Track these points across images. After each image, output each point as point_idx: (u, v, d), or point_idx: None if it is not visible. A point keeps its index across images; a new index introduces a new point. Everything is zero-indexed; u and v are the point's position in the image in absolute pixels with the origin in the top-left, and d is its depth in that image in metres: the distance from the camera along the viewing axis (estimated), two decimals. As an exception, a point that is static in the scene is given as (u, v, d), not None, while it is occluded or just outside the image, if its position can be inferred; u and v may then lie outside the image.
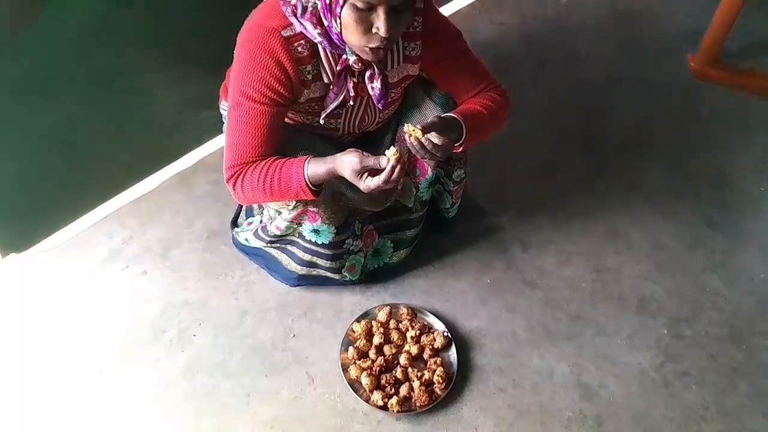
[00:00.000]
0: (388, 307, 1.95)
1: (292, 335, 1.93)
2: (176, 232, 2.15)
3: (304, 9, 1.48)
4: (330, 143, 1.76)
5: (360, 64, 1.54)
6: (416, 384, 1.80)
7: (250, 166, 1.59)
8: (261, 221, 1.96)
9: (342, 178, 1.55)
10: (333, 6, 1.42)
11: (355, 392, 1.79)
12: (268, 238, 1.91)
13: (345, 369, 1.84)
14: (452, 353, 1.88)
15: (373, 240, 2.00)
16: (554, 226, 2.22)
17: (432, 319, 1.94)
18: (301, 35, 1.52)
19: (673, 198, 2.33)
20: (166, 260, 2.08)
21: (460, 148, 1.62)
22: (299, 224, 1.81)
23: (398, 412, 1.76)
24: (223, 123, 1.76)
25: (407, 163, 1.50)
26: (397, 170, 1.48)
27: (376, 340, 1.88)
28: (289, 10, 1.50)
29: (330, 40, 1.50)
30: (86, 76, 1.90)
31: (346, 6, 1.40)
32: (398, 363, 1.86)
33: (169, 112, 2.19)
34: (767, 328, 2.00)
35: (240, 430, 1.75)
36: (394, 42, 1.55)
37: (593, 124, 2.58)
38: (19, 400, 1.79)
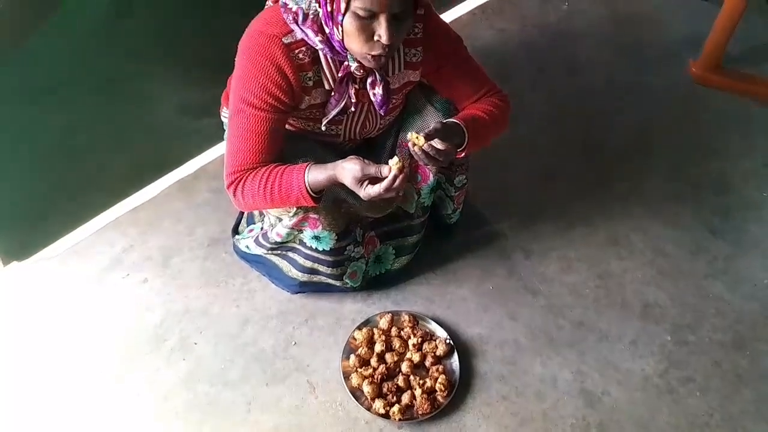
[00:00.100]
0: (390, 314, 1.94)
1: (294, 343, 1.92)
2: (177, 240, 2.15)
3: (305, 16, 1.49)
4: (331, 150, 1.75)
5: (362, 71, 1.54)
6: (418, 392, 1.79)
7: (251, 172, 1.58)
8: (262, 228, 1.96)
9: (343, 185, 1.55)
10: (335, 14, 1.42)
11: (357, 400, 1.79)
12: (269, 245, 1.91)
13: (346, 377, 1.83)
14: (454, 361, 1.87)
15: (375, 246, 1.99)
16: (556, 233, 2.22)
17: (434, 327, 1.93)
18: (302, 42, 1.52)
19: (675, 204, 2.32)
20: (167, 268, 2.08)
21: (462, 154, 1.62)
22: (300, 231, 1.81)
23: (400, 420, 1.75)
24: (224, 130, 1.76)
25: (409, 169, 1.50)
26: (399, 180, 1.47)
27: (378, 347, 1.88)
28: (290, 18, 1.50)
29: (331, 47, 1.50)
30: (87, 84, 1.90)
31: (348, 14, 1.40)
32: (400, 371, 1.85)
33: (170, 119, 2.19)
34: (771, 334, 1.99)
35: (241, 438, 1.74)
36: (395, 49, 1.55)
37: (594, 129, 2.58)
38: (21, 408, 1.78)
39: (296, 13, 1.49)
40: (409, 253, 2.05)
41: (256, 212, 2.05)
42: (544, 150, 2.49)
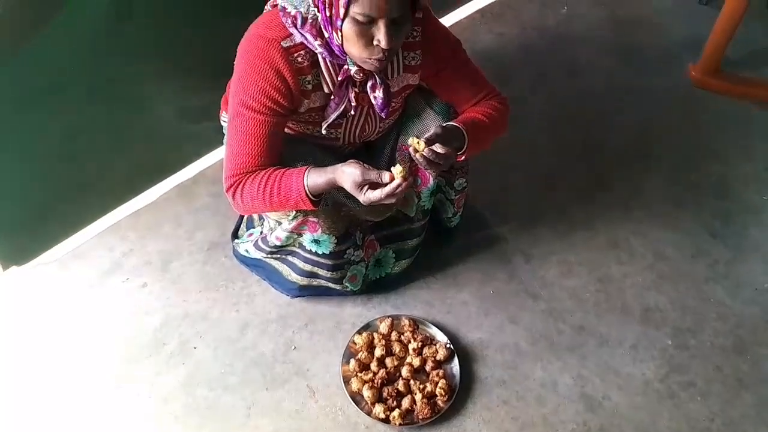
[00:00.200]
0: (390, 318, 1.94)
1: (293, 347, 1.92)
2: (177, 244, 2.14)
3: (304, 20, 1.49)
4: (330, 153, 1.75)
5: (361, 74, 1.55)
6: (418, 396, 1.78)
7: (250, 175, 1.58)
8: (261, 232, 1.95)
9: (342, 189, 1.55)
10: (334, 19, 1.42)
11: (357, 405, 1.78)
12: (268, 249, 1.91)
13: (346, 381, 1.82)
14: (455, 365, 1.86)
15: (375, 250, 1.99)
16: (556, 236, 2.21)
17: (434, 331, 1.93)
18: (301, 45, 1.52)
19: (675, 207, 2.32)
20: (167, 272, 2.07)
21: (462, 157, 1.62)
22: (300, 234, 1.80)
23: (400, 425, 1.74)
24: (224, 135, 1.76)
25: (411, 175, 1.50)
26: (402, 187, 1.47)
27: (378, 352, 1.87)
28: (289, 21, 1.50)
29: (330, 51, 1.51)
30: (86, 88, 1.90)
31: (347, 20, 1.40)
32: (400, 375, 1.84)
33: (170, 123, 2.19)
34: (772, 338, 1.99)
35: (241, 443, 1.74)
36: (395, 53, 1.56)
37: (594, 132, 2.58)
38: (21, 412, 1.77)
39: (295, 17, 1.49)
40: (409, 256, 2.04)
41: (255, 216, 2.04)
42: (544, 153, 2.49)
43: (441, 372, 1.84)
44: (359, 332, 1.92)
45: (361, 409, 1.77)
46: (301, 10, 1.49)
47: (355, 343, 1.90)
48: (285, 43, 1.51)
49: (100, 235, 2.16)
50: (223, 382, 1.84)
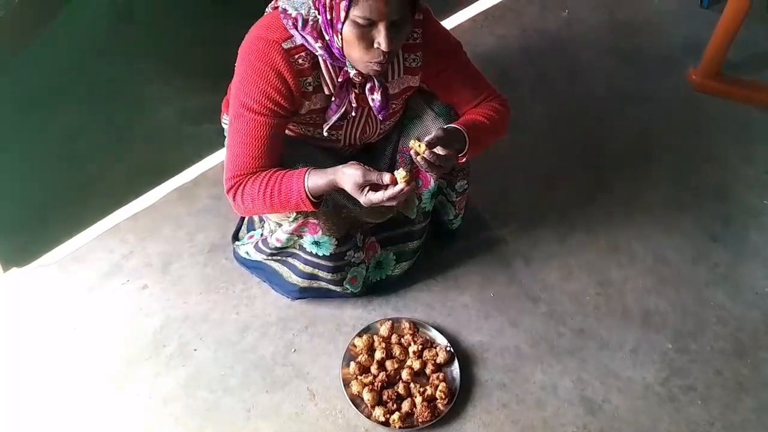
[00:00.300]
0: (390, 321, 1.94)
1: (293, 350, 1.92)
2: (177, 246, 2.14)
3: (305, 22, 1.49)
4: (331, 155, 1.75)
5: (360, 77, 1.55)
6: (418, 399, 1.78)
7: (251, 177, 1.58)
8: (262, 234, 1.95)
9: (342, 190, 1.55)
10: (334, 22, 1.42)
11: (357, 408, 1.78)
12: (268, 251, 1.91)
13: (346, 384, 1.82)
14: (455, 368, 1.86)
15: (376, 252, 1.99)
16: (556, 240, 2.21)
17: (434, 334, 1.93)
18: (302, 47, 1.53)
19: (675, 211, 2.32)
20: (167, 274, 2.07)
21: (463, 159, 1.62)
22: (300, 236, 1.80)
23: (400, 428, 1.74)
24: (225, 137, 1.76)
25: (412, 178, 1.50)
26: (404, 191, 1.47)
27: (378, 355, 1.87)
28: (290, 23, 1.50)
29: (331, 53, 1.51)
30: (87, 91, 1.91)
31: (348, 23, 1.40)
32: (400, 378, 1.84)
33: (171, 126, 2.19)
34: (772, 341, 1.99)
35: (240, 446, 1.74)
36: (395, 55, 1.56)
37: (594, 136, 2.57)
38: (20, 414, 1.77)
39: (296, 19, 1.50)
40: (409, 258, 2.04)
41: (256, 218, 2.04)
42: (545, 156, 2.48)
43: (441, 375, 1.83)
44: (359, 335, 1.91)
45: (361, 412, 1.77)
46: (302, 12, 1.49)
47: (356, 346, 1.90)
48: (286, 45, 1.51)
49: (101, 237, 2.15)
50: (223, 384, 1.84)
